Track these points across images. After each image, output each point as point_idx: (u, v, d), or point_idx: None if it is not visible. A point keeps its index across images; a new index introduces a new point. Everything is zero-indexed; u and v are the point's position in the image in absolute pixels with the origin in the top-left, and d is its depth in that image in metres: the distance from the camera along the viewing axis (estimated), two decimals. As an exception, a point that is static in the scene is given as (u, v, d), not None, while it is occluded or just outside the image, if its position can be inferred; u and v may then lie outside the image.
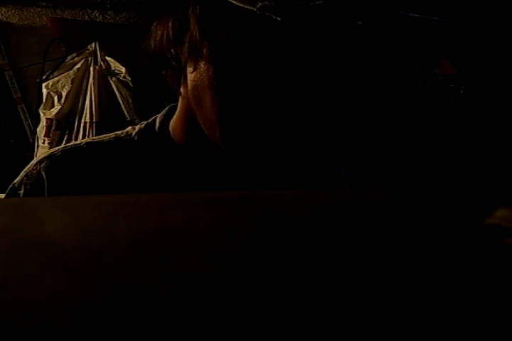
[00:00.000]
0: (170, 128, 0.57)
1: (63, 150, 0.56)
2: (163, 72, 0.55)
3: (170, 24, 0.50)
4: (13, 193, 0.54)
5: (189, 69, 0.50)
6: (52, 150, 0.57)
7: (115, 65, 1.60)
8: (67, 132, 1.59)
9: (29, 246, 0.21)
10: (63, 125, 1.58)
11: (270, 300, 0.16)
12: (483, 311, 0.16)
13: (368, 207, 0.29)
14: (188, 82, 0.50)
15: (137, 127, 0.59)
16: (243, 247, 0.22)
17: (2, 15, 1.60)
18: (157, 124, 0.58)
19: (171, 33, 0.50)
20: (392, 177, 1.92)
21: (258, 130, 0.49)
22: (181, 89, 0.54)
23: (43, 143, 1.58)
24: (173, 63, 0.52)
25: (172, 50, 0.51)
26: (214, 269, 0.19)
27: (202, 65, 0.48)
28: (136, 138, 0.57)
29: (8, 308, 0.16)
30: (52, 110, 1.57)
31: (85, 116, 1.57)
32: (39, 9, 1.62)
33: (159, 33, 0.52)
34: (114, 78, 1.58)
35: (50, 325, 0.15)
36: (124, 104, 1.58)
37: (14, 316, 0.15)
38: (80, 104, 1.59)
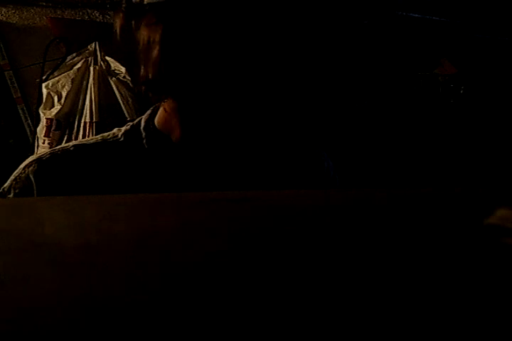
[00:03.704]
0: (158, 126, 0.58)
1: (51, 153, 0.56)
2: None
3: (120, 14, 0.51)
4: (2, 197, 0.54)
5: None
6: (40, 153, 0.57)
7: (115, 64, 1.59)
8: (67, 132, 1.59)
9: (28, 246, 0.21)
10: (63, 125, 1.58)
11: (269, 299, 0.16)
12: (484, 311, 0.16)
13: (368, 207, 0.29)
14: None
15: (123, 128, 0.60)
16: (242, 247, 0.22)
17: (2, 15, 1.60)
18: (142, 124, 0.59)
19: (123, 18, 0.51)
20: (391, 176, 1.92)
21: (214, 116, 0.51)
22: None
23: (43, 143, 1.58)
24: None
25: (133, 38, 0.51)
26: (214, 269, 0.19)
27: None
28: (122, 139, 0.58)
29: (8, 308, 0.15)
30: (52, 110, 1.57)
31: (85, 116, 1.57)
32: (39, 9, 1.62)
33: (118, 24, 0.52)
34: (114, 78, 1.58)
35: (50, 325, 0.15)
36: (124, 104, 1.58)
37: (14, 316, 0.15)
38: (79, 104, 1.58)
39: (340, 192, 0.39)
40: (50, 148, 1.54)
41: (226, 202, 0.28)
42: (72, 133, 1.59)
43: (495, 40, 1.97)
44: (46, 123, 1.57)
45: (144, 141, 0.57)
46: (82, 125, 1.58)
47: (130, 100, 1.58)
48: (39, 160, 0.55)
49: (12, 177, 0.55)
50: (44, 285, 0.17)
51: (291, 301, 0.16)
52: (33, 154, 1.60)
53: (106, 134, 0.60)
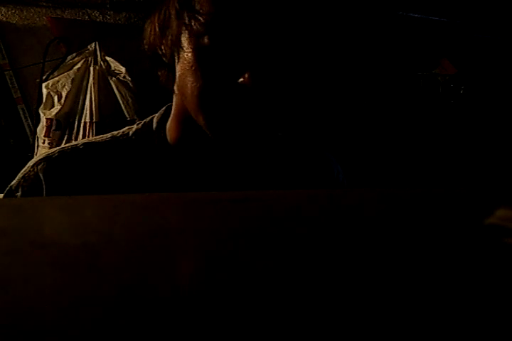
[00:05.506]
0: (166, 128, 0.57)
1: (60, 151, 0.55)
2: (158, 73, 0.56)
3: (155, 20, 0.51)
4: (10, 195, 0.54)
5: (176, 62, 0.50)
6: (49, 151, 0.56)
7: (115, 64, 1.59)
8: (67, 132, 1.59)
9: (29, 246, 0.21)
10: (63, 125, 1.58)
11: (269, 299, 0.16)
12: (484, 311, 0.16)
13: (369, 207, 0.29)
14: (176, 74, 0.51)
15: (134, 127, 0.59)
16: (243, 247, 0.22)
17: (2, 15, 1.60)
18: (154, 124, 0.58)
19: (157, 28, 0.51)
20: (392, 176, 1.92)
21: (239, 112, 0.48)
22: (174, 87, 0.54)
23: (43, 143, 1.58)
24: (164, 60, 0.52)
25: (162, 47, 0.52)
26: (214, 269, 0.19)
27: (183, 55, 0.48)
28: (133, 137, 0.57)
29: (9, 308, 0.16)
30: (52, 110, 1.57)
31: (85, 116, 1.57)
32: (39, 9, 1.62)
33: (148, 30, 0.53)
34: (114, 78, 1.58)
35: (50, 325, 0.15)
36: (124, 104, 1.58)
37: (14, 316, 0.15)
38: (80, 104, 1.58)
39: (342, 192, 0.39)
40: (50, 148, 1.54)
41: (229, 203, 0.28)
42: (72, 133, 1.59)
43: (495, 40, 1.97)
44: (46, 123, 1.57)
45: (156, 141, 0.57)
46: (82, 125, 1.58)
47: (130, 100, 1.58)
48: (48, 158, 0.54)
49: (20, 175, 0.55)
50: (44, 285, 0.17)
51: (294, 301, 0.16)
52: (33, 154, 1.60)
53: (116, 132, 0.59)
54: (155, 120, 0.58)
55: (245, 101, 0.47)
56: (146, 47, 0.54)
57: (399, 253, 0.21)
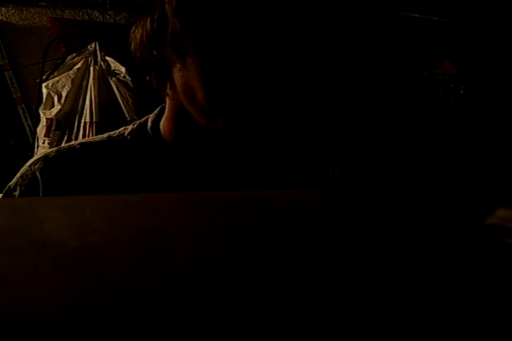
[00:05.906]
0: (160, 128, 0.58)
1: (57, 151, 0.56)
2: (147, 78, 0.56)
3: (148, 25, 0.50)
4: (8, 195, 0.55)
5: (176, 66, 0.50)
6: (46, 151, 0.57)
7: (115, 64, 1.59)
8: (67, 132, 1.59)
9: (28, 246, 0.21)
10: (63, 125, 1.58)
11: (269, 299, 0.16)
12: (484, 310, 0.16)
13: (368, 207, 0.29)
14: (177, 79, 0.51)
15: (130, 127, 0.60)
16: (242, 247, 0.22)
17: (2, 15, 1.60)
18: (149, 124, 0.59)
19: (150, 34, 0.50)
20: (392, 176, 1.92)
21: (254, 109, 0.50)
22: (167, 90, 0.54)
23: (43, 143, 1.58)
24: (158, 65, 0.52)
25: (154, 52, 0.51)
26: (214, 269, 0.19)
27: (188, 60, 0.48)
28: (128, 137, 0.58)
29: (8, 308, 0.15)
30: (52, 110, 1.57)
31: (85, 116, 1.57)
32: (39, 9, 1.62)
33: (139, 36, 0.52)
34: (114, 78, 1.58)
35: (50, 325, 0.15)
36: (124, 104, 1.58)
37: (14, 316, 0.15)
38: (80, 104, 1.58)
39: (342, 191, 0.39)
40: (50, 148, 1.54)
41: (228, 203, 0.28)
42: (72, 133, 1.59)
43: (495, 40, 1.97)
44: (46, 123, 1.57)
45: (151, 141, 0.57)
46: (82, 125, 1.58)
47: (130, 100, 1.58)
48: (45, 157, 0.55)
49: (18, 174, 0.56)
50: (44, 285, 0.17)
51: (293, 301, 0.16)
52: (33, 154, 1.60)
53: (112, 132, 0.60)
54: (150, 120, 0.59)
55: (256, 97, 0.48)
56: (134, 52, 0.54)
57: (399, 253, 0.21)
